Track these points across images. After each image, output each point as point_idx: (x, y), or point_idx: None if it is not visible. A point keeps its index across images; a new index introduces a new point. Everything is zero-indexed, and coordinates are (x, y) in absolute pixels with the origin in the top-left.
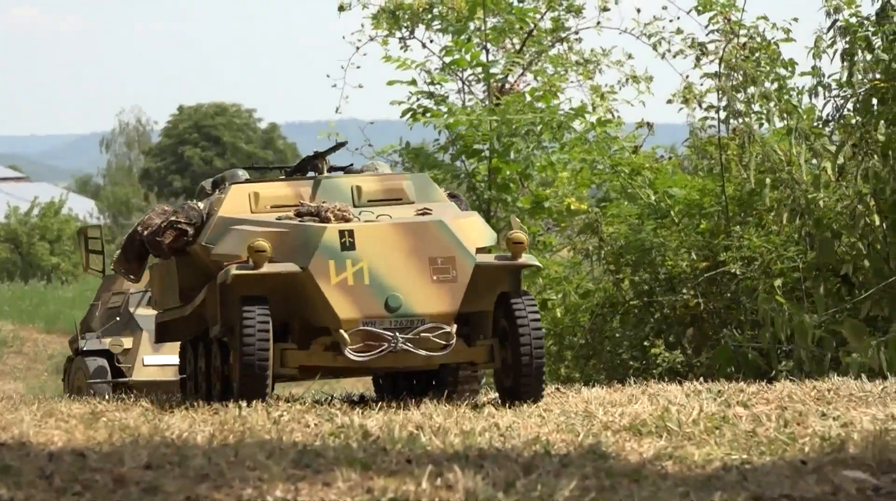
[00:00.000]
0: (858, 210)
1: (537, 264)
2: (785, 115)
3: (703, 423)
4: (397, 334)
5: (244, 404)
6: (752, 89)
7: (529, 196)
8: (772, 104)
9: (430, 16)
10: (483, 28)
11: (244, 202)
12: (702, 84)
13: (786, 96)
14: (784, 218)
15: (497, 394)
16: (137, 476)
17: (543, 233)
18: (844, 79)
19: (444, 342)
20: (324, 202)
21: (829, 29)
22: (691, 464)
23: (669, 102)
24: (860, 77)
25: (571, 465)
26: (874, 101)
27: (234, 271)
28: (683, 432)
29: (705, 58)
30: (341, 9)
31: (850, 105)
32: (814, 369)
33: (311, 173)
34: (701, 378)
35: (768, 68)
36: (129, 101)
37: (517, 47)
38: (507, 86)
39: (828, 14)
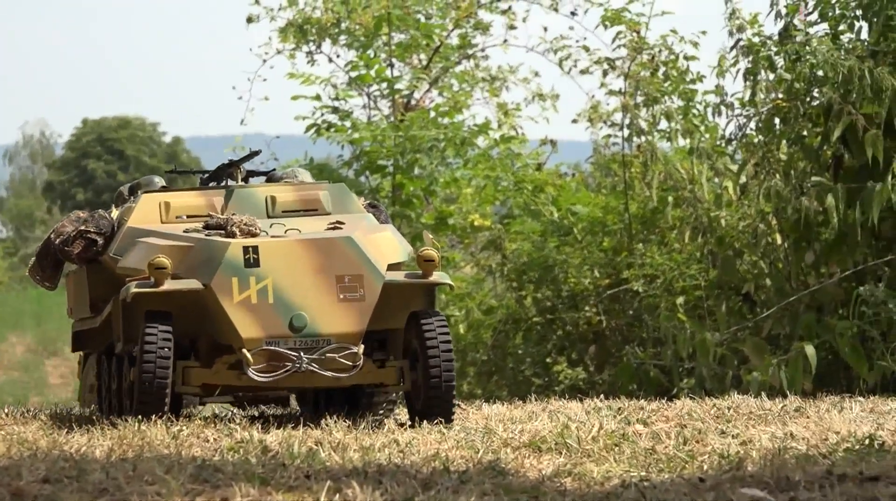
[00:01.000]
0: (760, 229)
1: (449, 282)
2: (687, 134)
3: (602, 440)
4: (302, 354)
5: (143, 419)
6: (656, 107)
7: (433, 212)
8: (674, 123)
9: (337, 30)
10: (389, 44)
11: (154, 212)
12: (608, 104)
13: (691, 113)
14: (686, 236)
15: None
16: (35, 490)
17: (447, 249)
18: (747, 98)
19: (350, 363)
20: (233, 215)
21: (732, 48)
22: (590, 481)
23: (575, 121)
24: (763, 96)
25: (470, 482)
26: (776, 120)
27: (133, 288)
28: (583, 449)
29: (612, 72)
30: (249, 20)
31: (752, 124)
32: (715, 386)
33: (228, 181)
34: (602, 396)
35: (675, 84)
36: (32, 113)
37: (423, 63)
38: (413, 102)
39: (731, 34)
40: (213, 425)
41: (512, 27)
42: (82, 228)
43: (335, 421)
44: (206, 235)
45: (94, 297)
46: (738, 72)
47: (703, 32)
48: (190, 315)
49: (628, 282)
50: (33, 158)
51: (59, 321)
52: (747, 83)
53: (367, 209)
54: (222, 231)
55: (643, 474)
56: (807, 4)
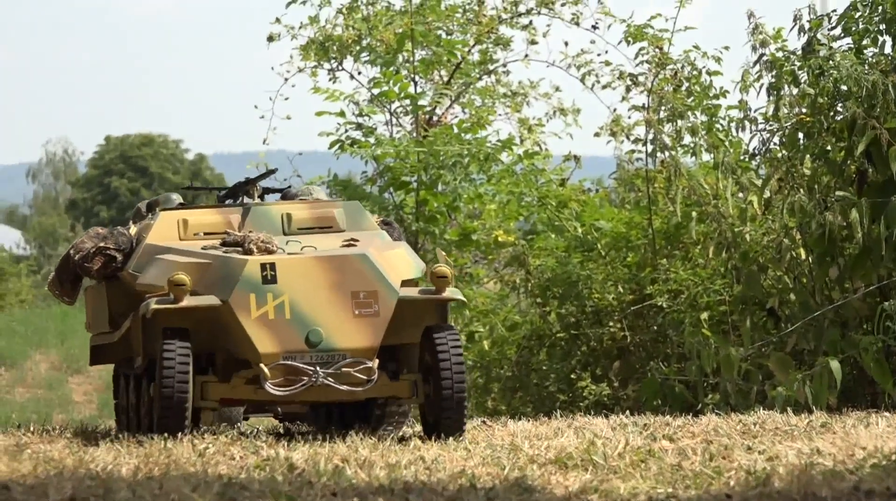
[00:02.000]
0: (784, 244)
1: (461, 298)
2: (712, 148)
3: (628, 456)
4: (318, 368)
5: (169, 436)
6: (679, 122)
7: (457, 228)
8: (699, 138)
9: (359, 48)
10: (412, 60)
11: (173, 229)
12: (630, 117)
13: (715, 128)
14: (710, 251)
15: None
16: None
17: (471, 265)
18: (771, 113)
19: (365, 377)
20: (250, 232)
21: (755, 63)
22: (617, 498)
23: (597, 135)
24: (786, 111)
25: (497, 499)
26: (800, 135)
27: (153, 305)
28: (609, 465)
29: (635, 89)
30: (271, 39)
31: (776, 139)
32: (740, 402)
33: (244, 198)
34: (627, 411)
35: (698, 99)
36: (55, 131)
37: (445, 79)
38: (436, 118)
39: (754, 48)
40: (238, 442)
41: (533, 42)
42: (101, 244)
43: (361, 439)
44: (224, 252)
45: (113, 312)
46: (761, 87)
47: (727, 48)
48: (208, 331)
49: (652, 298)
50: (56, 176)
51: (83, 339)
52: (771, 98)
53: (380, 227)
54: (240, 248)
55: (670, 490)
56: (830, 19)
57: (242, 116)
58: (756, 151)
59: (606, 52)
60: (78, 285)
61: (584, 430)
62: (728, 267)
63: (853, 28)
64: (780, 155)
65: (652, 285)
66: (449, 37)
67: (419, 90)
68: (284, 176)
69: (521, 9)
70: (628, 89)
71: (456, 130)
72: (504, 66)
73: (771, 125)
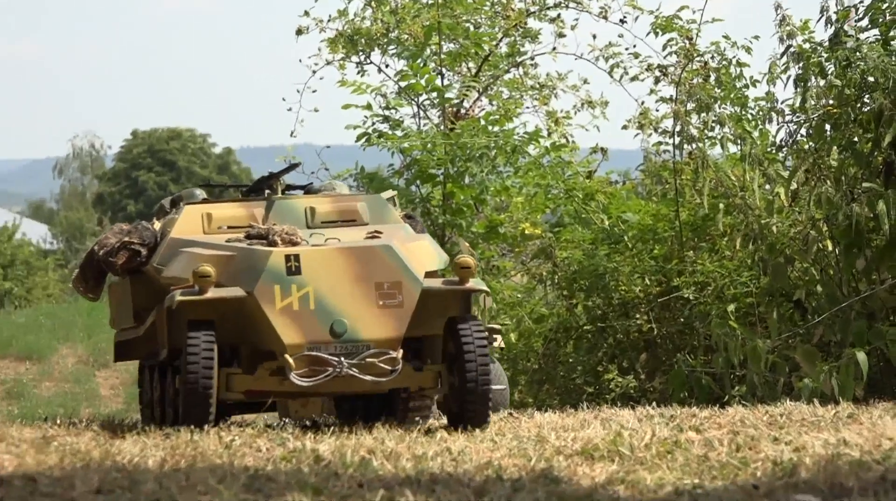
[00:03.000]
0: (811, 236)
1: (485, 288)
2: (739, 140)
3: (655, 448)
4: (343, 359)
5: (196, 428)
6: (707, 114)
7: (484, 221)
8: (726, 129)
9: (386, 40)
10: (439, 53)
11: (197, 223)
12: (657, 110)
13: (744, 118)
14: (737, 243)
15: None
16: None
17: (498, 258)
18: (798, 104)
19: (390, 368)
20: (274, 225)
21: (782, 55)
22: (643, 489)
23: (625, 127)
24: (813, 103)
25: (523, 490)
26: (827, 126)
27: (178, 296)
28: (636, 456)
29: (664, 79)
30: (299, 32)
31: (803, 131)
32: (766, 394)
33: (267, 193)
34: (654, 403)
35: (727, 90)
36: (82, 125)
37: (473, 72)
38: (463, 110)
39: (781, 40)
40: (265, 435)
41: (561, 35)
42: (126, 239)
43: (388, 430)
44: (249, 244)
45: (138, 307)
46: (788, 78)
47: (756, 37)
48: (233, 323)
49: (679, 290)
50: (83, 170)
51: (109, 333)
52: (798, 90)
53: (403, 220)
54: (264, 240)
55: (696, 481)
56: (857, 10)
57: (270, 110)
58: (783, 143)
59: (635, 45)
60: (102, 281)
61: (610, 421)
62: (755, 259)
63: (880, 19)
64: (807, 146)
65: (679, 277)
66: (477, 30)
67: (446, 83)
68: (312, 169)
69: (550, 2)
70: (656, 81)
71: (483, 123)
72: (532, 58)
73: (798, 117)
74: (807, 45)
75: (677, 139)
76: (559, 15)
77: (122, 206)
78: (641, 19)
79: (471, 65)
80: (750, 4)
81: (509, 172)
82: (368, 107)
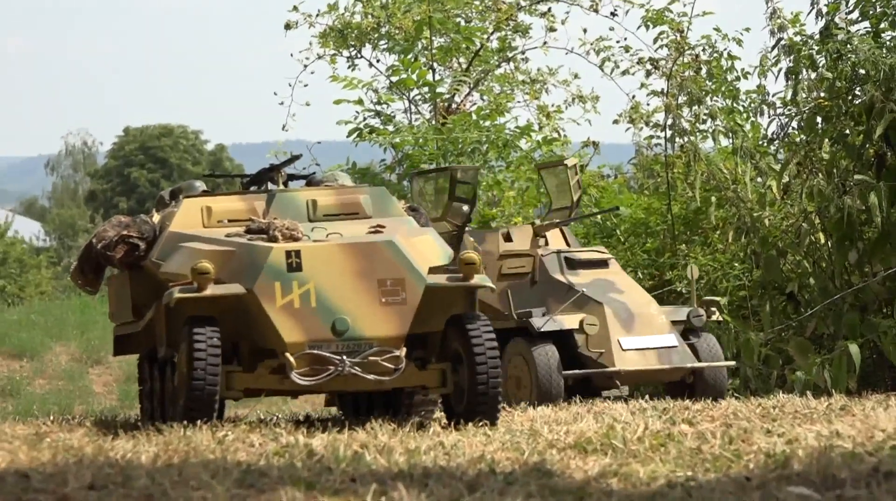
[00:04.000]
0: (803, 228)
1: (490, 285)
2: (730, 133)
3: (647, 440)
4: (345, 357)
5: (189, 423)
6: (699, 107)
7: (477, 215)
8: (717, 122)
9: (377, 35)
10: (430, 48)
11: (196, 217)
12: (648, 104)
13: (736, 109)
14: (730, 236)
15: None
16: (81, 497)
17: None
18: (789, 97)
19: (393, 366)
20: (275, 219)
21: (773, 47)
22: (636, 481)
23: (616, 121)
24: (804, 96)
25: (516, 483)
26: (818, 119)
27: (177, 293)
28: (628, 449)
29: (655, 72)
30: (288, 27)
31: (794, 123)
32: (760, 386)
33: (269, 185)
34: (648, 396)
35: (718, 83)
36: (75, 123)
37: (464, 67)
38: (454, 105)
39: (772, 33)
40: (258, 430)
41: (552, 29)
42: (124, 232)
43: (380, 425)
44: (249, 239)
45: (137, 301)
46: (779, 71)
47: (747, 30)
48: (232, 320)
49: (672, 283)
50: (75, 168)
51: (102, 330)
52: (789, 82)
53: (407, 213)
54: (265, 236)
55: (689, 474)
56: (848, 3)
57: (262, 106)
58: (774, 136)
59: (626, 39)
60: (101, 274)
61: (603, 415)
62: (747, 252)
63: (870, 12)
64: (798, 139)
65: (671, 270)
66: (467, 24)
67: (437, 78)
68: (304, 165)
69: None
70: (648, 74)
71: (474, 118)
72: (523, 53)
73: (789, 110)
74: (798, 38)
75: (669, 133)
76: (550, 9)
77: (115, 203)
78: (632, 13)
79: (462, 59)
80: None
81: (501, 167)
82: (360, 102)
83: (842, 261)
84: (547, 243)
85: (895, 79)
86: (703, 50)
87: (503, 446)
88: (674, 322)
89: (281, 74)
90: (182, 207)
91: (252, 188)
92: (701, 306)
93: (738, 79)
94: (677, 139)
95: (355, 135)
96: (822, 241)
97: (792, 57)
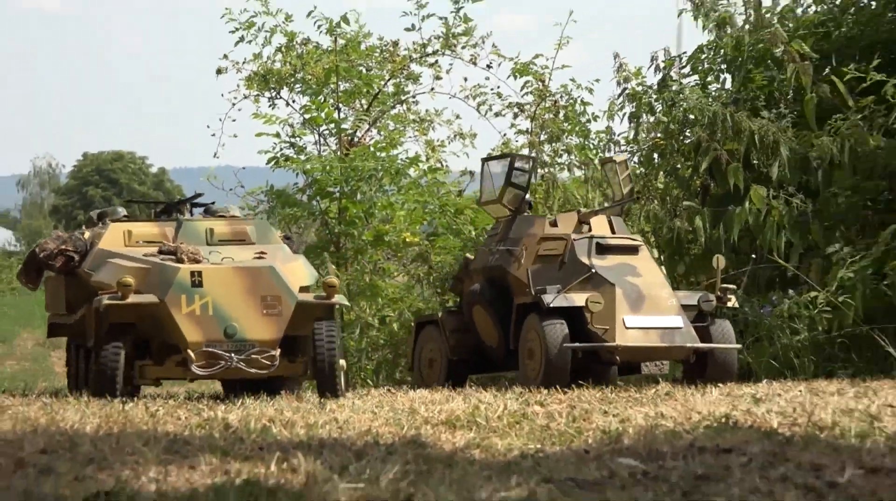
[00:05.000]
0: None
1: (346, 303)
2: (582, 166)
3: (506, 418)
4: (233, 355)
5: (126, 399)
6: (557, 144)
7: (372, 231)
8: (572, 157)
9: (293, 80)
10: (337, 91)
11: (120, 238)
12: (516, 140)
13: (587, 146)
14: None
15: None
16: (34, 460)
17: (384, 261)
18: (631, 137)
19: (269, 363)
20: (181, 243)
21: (619, 95)
22: (495, 452)
23: (489, 155)
24: (644, 136)
25: (396, 453)
26: (655, 155)
27: (105, 301)
28: (490, 426)
29: (522, 114)
30: (219, 72)
31: (635, 158)
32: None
33: (177, 214)
34: (508, 383)
35: (573, 124)
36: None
37: (364, 107)
38: (356, 139)
39: (618, 83)
40: (184, 406)
41: (438, 77)
42: (63, 247)
43: (287, 403)
44: (162, 259)
45: (70, 299)
46: (624, 115)
47: (598, 80)
48: (148, 323)
49: None
50: (42, 186)
51: None
52: (631, 124)
53: (283, 240)
54: (173, 257)
55: (538, 446)
56: (681, 59)
57: (197, 136)
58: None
59: (498, 86)
60: (41, 275)
61: (470, 397)
62: None
63: (699, 67)
64: (638, 171)
65: None
66: (368, 72)
67: (342, 116)
68: (230, 186)
69: (429, 49)
70: (515, 116)
71: (372, 149)
72: (413, 97)
73: (631, 147)
74: (639, 88)
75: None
76: (437, 61)
77: (74, 216)
78: (504, 65)
79: (363, 101)
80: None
81: (393, 191)
82: (277, 135)
83: (672, 273)
84: (590, 229)
85: (717, 123)
86: (561, 96)
87: (386, 422)
88: (687, 306)
89: (213, 110)
90: (109, 229)
91: (163, 217)
92: (721, 293)
93: (589, 121)
94: (539, 170)
95: (273, 162)
96: (657, 255)
97: (634, 103)
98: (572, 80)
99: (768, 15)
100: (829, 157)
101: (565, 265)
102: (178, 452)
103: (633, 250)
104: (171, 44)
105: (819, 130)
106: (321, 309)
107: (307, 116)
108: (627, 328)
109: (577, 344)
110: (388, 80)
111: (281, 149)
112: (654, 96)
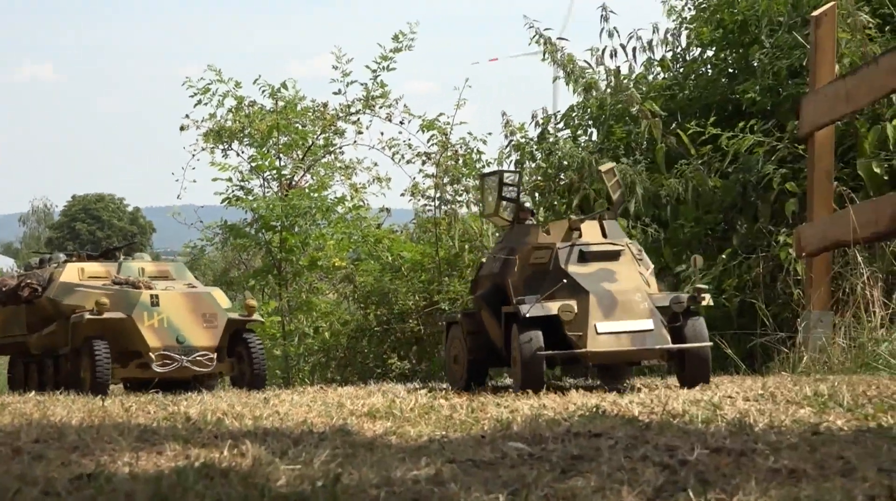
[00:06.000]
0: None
1: (262, 320)
2: (478, 203)
3: (417, 410)
4: (183, 357)
5: (103, 397)
6: (457, 185)
7: (308, 257)
8: (469, 196)
9: (242, 135)
10: (278, 144)
11: (76, 273)
12: (424, 183)
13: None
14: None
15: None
16: (29, 448)
17: (317, 282)
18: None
19: (210, 363)
20: (129, 277)
21: (507, 146)
22: (408, 438)
23: (402, 194)
24: (527, 179)
25: (327, 439)
26: (536, 194)
27: (87, 316)
28: (404, 416)
29: (429, 161)
30: (182, 129)
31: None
32: (496, 375)
33: (115, 256)
34: (420, 381)
35: (470, 169)
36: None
37: (300, 157)
38: (294, 183)
39: (506, 136)
40: (153, 402)
41: (360, 132)
42: (27, 281)
43: (237, 399)
44: (123, 287)
45: (30, 323)
46: (511, 162)
47: (490, 133)
48: (116, 333)
49: (438, 304)
50: (39, 222)
51: None
52: (517, 169)
53: (195, 277)
54: (131, 286)
55: (443, 433)
56: (556, 117)
57: (165, 180)
58: (506, 206)
59: (409, 139)
60: None
61: (389, 392)
62: None
63: (571, 123)
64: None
65: (438, 294)
66: (303, 128)
67: (282, 164)
68: (191, 222)
69: (353, 109)
70: (423, 163)
71: (307, 191)
72: (340, 148)
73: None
74: (523, 140)
75: (437, 202)
76: (359, 118)
77: (65, 247)
78: (413, 121)
79: (299, 152)
80: (486, 112)
81: (325, 225)
82: (230, 180)
83: None
84: (580, 236)
85: (585, 167)
86: (460, 147)
87: (319, 414)
88: (662, 308)
89: (178, 159)
90: (66, 267)
91: (100, 258)
92: (695, 293)
93: (483, 166)
94: (443, 207)
95: (227, 202)
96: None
97: (519, 152)
98: (469, 133)
99: (626, 81)
100: (675, 195)
101: (549, 274)
102: (148, 440)
103: (614, 255)
104: (144, 105)
105: (668, 173)
106: (244, 324)
107: (254, 164)
108: (599, 334)
109: (549, 352)
110: (320, 134)
111: (233, 191)
112: (535, 146)
